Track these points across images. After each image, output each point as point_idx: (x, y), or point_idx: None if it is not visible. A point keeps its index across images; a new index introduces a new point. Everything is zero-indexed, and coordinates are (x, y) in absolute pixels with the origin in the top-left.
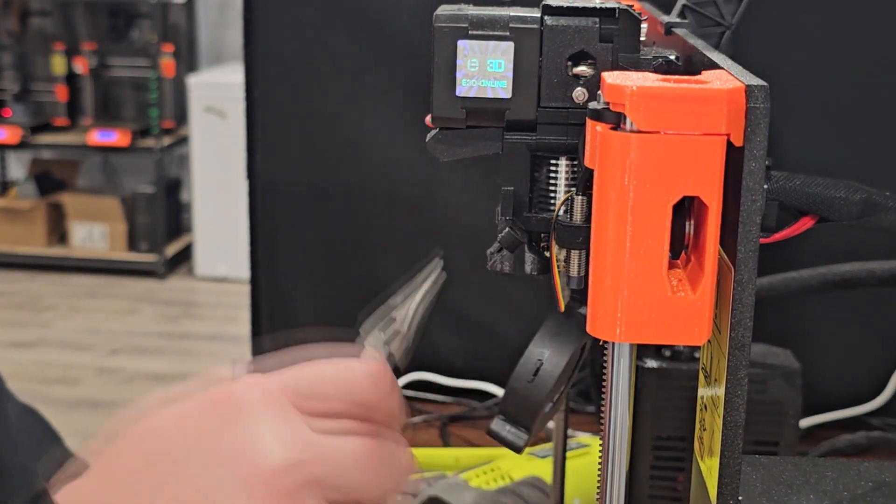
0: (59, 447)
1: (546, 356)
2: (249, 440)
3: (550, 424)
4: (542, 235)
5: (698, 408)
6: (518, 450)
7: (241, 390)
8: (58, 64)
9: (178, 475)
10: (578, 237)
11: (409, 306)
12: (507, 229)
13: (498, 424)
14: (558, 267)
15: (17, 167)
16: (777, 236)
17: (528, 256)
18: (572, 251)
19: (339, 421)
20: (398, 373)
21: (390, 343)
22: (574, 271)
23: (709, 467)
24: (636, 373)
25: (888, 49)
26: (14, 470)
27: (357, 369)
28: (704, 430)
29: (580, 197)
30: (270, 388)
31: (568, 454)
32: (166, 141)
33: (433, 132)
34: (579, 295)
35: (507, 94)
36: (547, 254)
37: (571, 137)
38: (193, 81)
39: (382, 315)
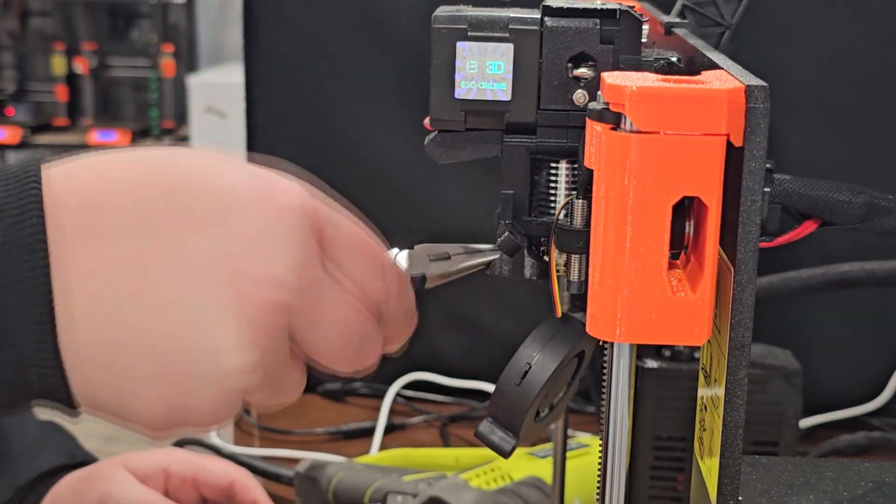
0: (74, 444)
1: (535, 360)
2: (255, 250)
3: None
4: (542, 239)
5: (698, 408)
6: (505, 454)
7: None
8: (58, 64)
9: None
10: (578, 241)
11: (466, 255)
12: (506, 233)
13: (486, 427)
14: (558, 271)
15: None
16: (780, 240)
17: (528, 261)
18: (572, 256)
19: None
20: (423, 282)
21: (430, 260)
22: (574, 276)
23: (709, 467)
24: (636, 373)
25: (888, 49)
26: (21, 453)
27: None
28: (704, 430)
29: (580, 201)
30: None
31: (568, 454)
32: (166, 141)
33: (432, 135)
34: (579, 300)
35: (507, 97)
36: (546, 258)
37: (572, 140)
38: (193, 81)
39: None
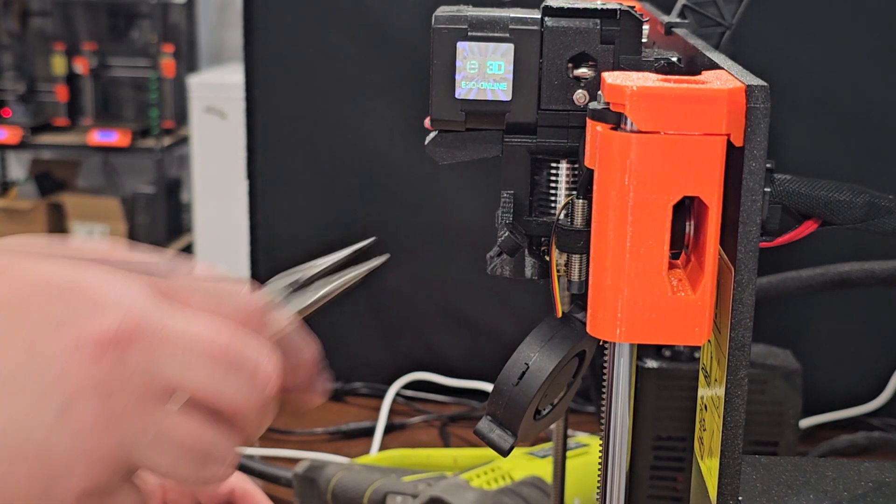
0: None
1: (533, 360)
2: (86, 296)
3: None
4: (543, 239)
5: (698, 408)
6: (503, 453)
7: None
8: (58, 64)
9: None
10: (579, 241)
11: (328, 278)
12: (506, 233)
13: (485, 425)
14: (558, 271)
15: (17, 167)
16: (780, 240)
17: (529, 260)
18: (573, 256)
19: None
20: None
21: (291, 293)
22: (574, 276)
23: (709, 467)
24: (636, 373)
25: (888, 49)
26: None
27: (234, 290)
28: (704, 430)
29: (581, 201)
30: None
31: (568, 454)
32: (166, 141)
33: (432, 135)
34: (579, 300)
35: (507, 97)
36: (547, 258)
37: (572, 140)
38: (193, 81)
39: (295, 273)
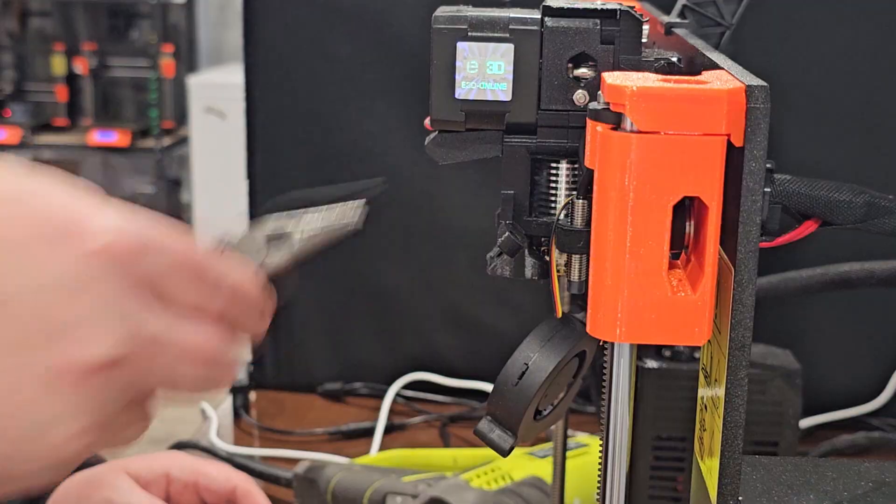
0: None
1: (533, 360)
2: (74, 318)
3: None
4: (543, 240)
5: (698, 408)
6: (503, 453)
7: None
8: (58, 64)
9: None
10: (579, 242)
11: (308, 225)
12: (507, 233)
13: (485, 426)
14: (558, 272)
15: None
16: (780, 240)
17: (529, 261)
18: (573, 256)
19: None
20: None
21: (269, 250)
22: (574, 276)
23: (709, 468)
24: (636, 373)
25: (888, 49)
26: None
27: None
28: (704, 430)
29: (581, 201)
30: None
31: (568, 454)
32: (166, 141)
33: (432, 135)
34: (580, 300)
35: (507, 97)
36: (547, 258)
37: (572, 140)
38: (193, 81)
39: (279, 222)
